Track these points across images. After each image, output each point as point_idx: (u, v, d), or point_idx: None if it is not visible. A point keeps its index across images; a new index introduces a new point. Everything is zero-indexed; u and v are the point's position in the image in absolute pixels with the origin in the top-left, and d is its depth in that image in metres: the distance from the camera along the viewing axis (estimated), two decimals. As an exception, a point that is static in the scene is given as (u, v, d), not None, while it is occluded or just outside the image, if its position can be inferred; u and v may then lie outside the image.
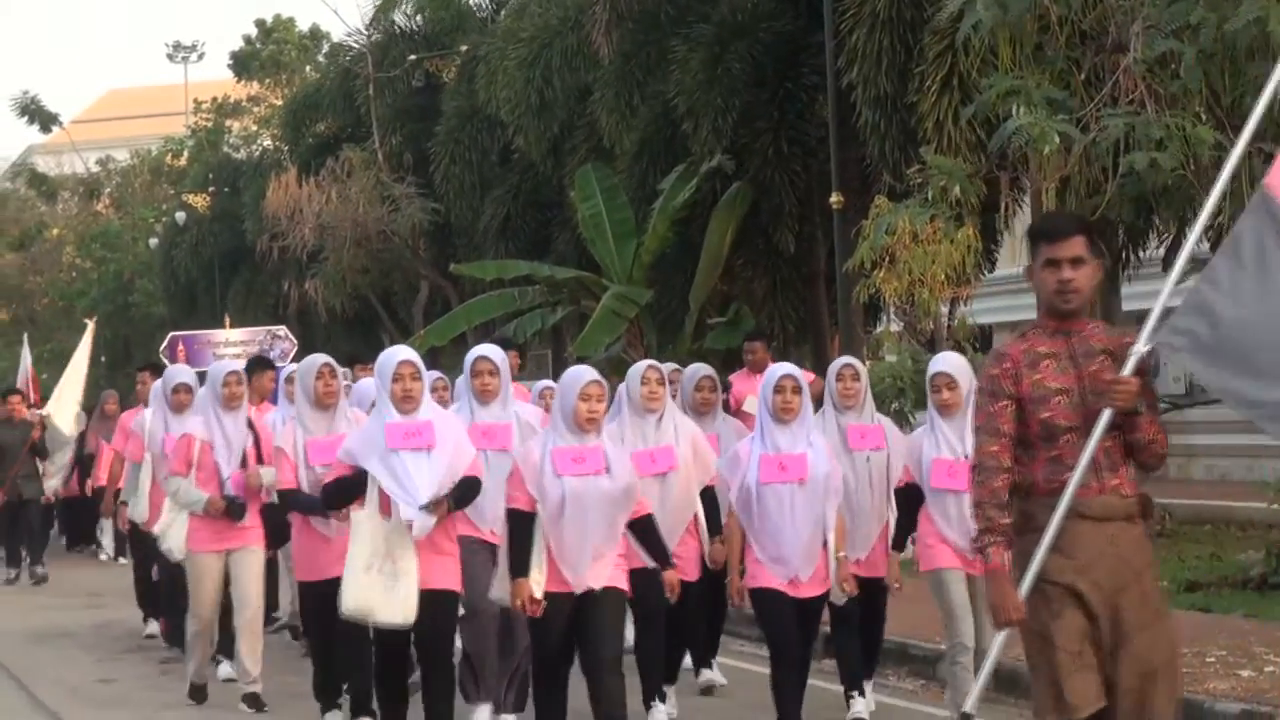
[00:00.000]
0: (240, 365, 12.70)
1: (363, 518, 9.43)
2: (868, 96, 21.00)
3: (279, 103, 50.83)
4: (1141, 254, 21.92)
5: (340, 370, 10.86)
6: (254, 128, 54.67)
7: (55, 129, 60.53)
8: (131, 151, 63.88)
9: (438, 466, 9.46)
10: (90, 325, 24.64)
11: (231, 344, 36.84)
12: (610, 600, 9.24)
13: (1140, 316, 26.27)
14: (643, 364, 11.31)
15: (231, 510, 11.82)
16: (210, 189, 50.88)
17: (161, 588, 14.80)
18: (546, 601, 9.11)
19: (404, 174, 37.66)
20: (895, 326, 22.62)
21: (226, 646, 12.85)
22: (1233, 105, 15.86)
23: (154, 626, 16.02)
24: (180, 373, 13.83)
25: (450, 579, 9.66)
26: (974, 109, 17.64)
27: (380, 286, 40.59)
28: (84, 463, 23.75)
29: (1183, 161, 16.33)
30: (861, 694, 10.89)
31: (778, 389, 9.88)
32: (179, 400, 13.50)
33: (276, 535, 11.99)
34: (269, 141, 50.77)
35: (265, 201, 39.00)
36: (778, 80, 25.18)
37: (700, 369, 12.45)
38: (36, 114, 58.63)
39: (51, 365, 57.66)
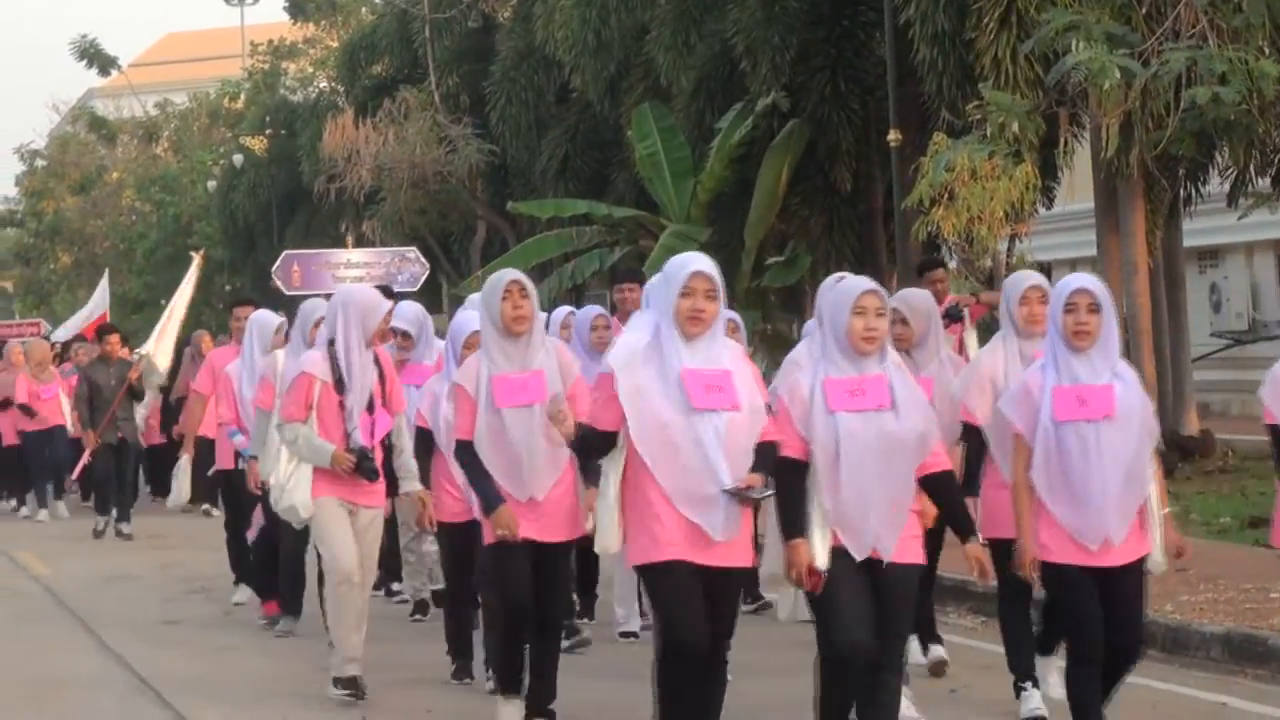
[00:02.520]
0: (385, 301, 10.56)
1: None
2: (925, 33, 20.87)
3: (335, 45, 50.81)
4: (1203, 190, 21.77)
5: (530, 289, 8.97)
6: (310, 70, 54.70)
7: (114, 72, 60.67)
8: (189, 95, 64.03)
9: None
10: (197, 258, 22.14)
11: (354, 265, 34.04)
12: (902, 577, 7.62)
13: (1201, 253, 26.38)
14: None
15: (362, 468, 10.15)
16: (267, 131, 50.96)
17: (282, 562, 12.93)
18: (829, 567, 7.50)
19: (461, 115, 37.63)
20: (953, 263, 22.55)
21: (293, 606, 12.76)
22: (1295, 38, 15.75)
23: (244, 593, 14.37)
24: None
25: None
26: (1032, 44, 17.56)
27: (437, 227, 40.64)
28: (171, 407, 22.53)
29: (1245, 96, 16.24)
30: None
31: (1069, 307, 7.91)
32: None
33: (395, 484, 10.58)
34: (325, 83, 50.78)
35: (322, 143, 39.04)
36: (835, 18, 25.09)
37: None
38: (95, 57, 58.75)
39: (113, 308, 58.02)
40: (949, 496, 7.85)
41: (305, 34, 54.61)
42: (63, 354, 27.02)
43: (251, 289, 50.43)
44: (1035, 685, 9.16)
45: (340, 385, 10.15)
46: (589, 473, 8.41)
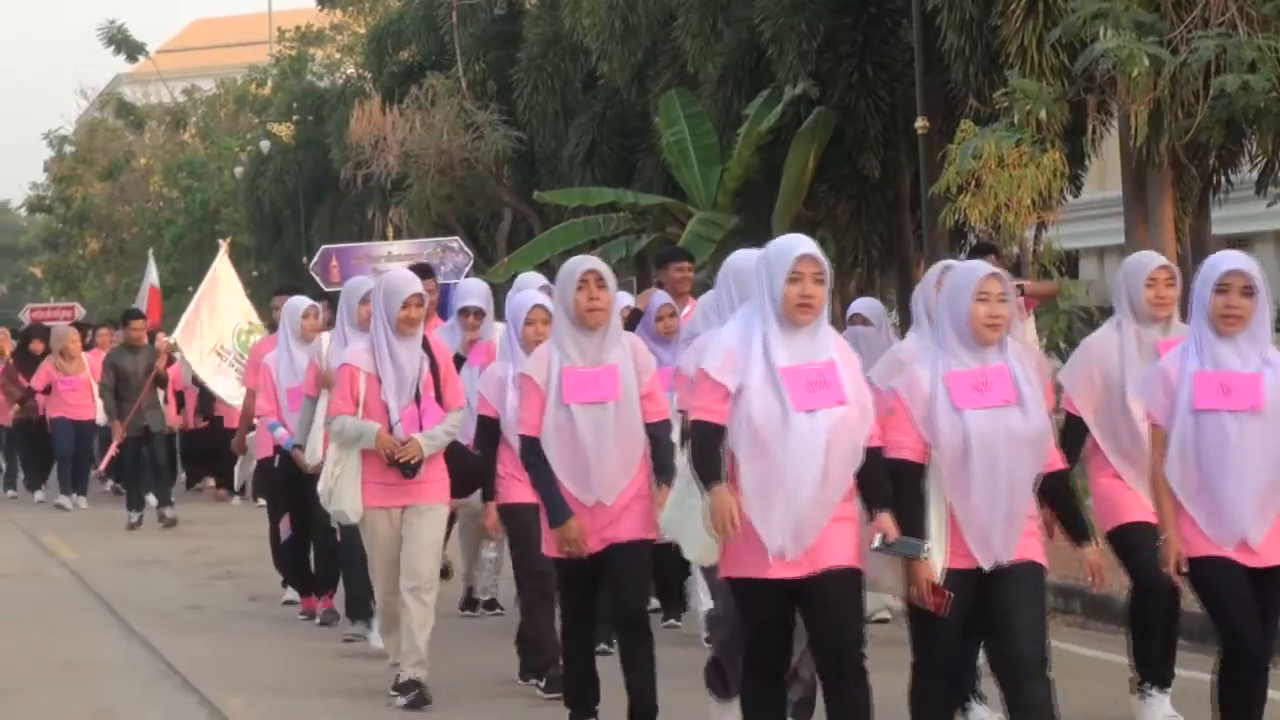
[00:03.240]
0: (410, 282, 9.98)
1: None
2: (952, 20, 20.82)
3: (362, 31, 50.82)
4: (1233, 177, 21.69)
5: (609, 278, 8.41)
6: (337, 56, 54.73)
7: (142, 59, 60.74)
8: (217, 81, 64.11)
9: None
10: (224, 245, 21.27)
11: (395, 257, 32.13)
12: (1028, 579, 7.02)
13: (1232, 240, 26.30)
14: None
15: (403, 464, 9.74)
16: (294, 118, 50.98)
17: (340, 554, 12.24)
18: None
19: (487, 102, 37.59)
20: (981, 252, 22.48)
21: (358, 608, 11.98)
22: (1326, 26, 15.69)
23: (293, 592, 13.80)
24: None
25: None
26: (1060, 32, 17.49)
27: (464, 214, 40.63)
28: (206, 392, 22.16)
29: (1275, 83, 16.15)
30: None
31: (1220, 288, 7.30)
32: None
33: (462, 485, 10.23)
34: (352, 70, 50.79)
35: (349, 130, 39.03)
36: (862, 5, 25.02)
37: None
38: (123, 44, 58.78)
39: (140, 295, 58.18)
40: (1065, 498, 7.32)
41: (332, 20, 54.61)
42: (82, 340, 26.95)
43: (278, 275, 50.51)
44: (1163, 689, 8.63)
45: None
46: (666, 471, 8.19)
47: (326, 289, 32.31)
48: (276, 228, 50.72)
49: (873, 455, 6.98)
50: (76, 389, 22.78)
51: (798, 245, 7.06)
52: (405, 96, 38.07)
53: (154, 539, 18.68)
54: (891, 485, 6.99)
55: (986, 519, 6.94)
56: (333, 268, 32.33)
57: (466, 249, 31.97)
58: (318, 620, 12.83)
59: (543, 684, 9.95)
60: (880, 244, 25.96)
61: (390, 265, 31.13)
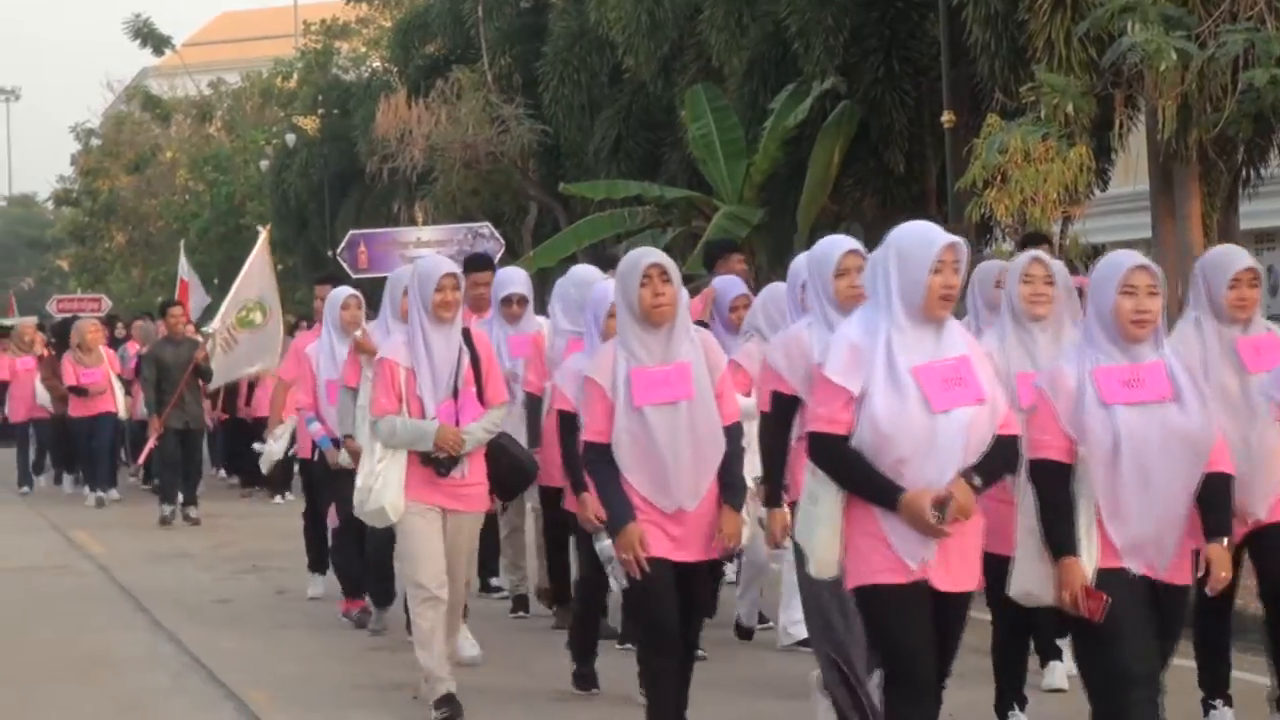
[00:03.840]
0: (441, 266, 9.39)
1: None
2: (978, 15, 20.80)
3: (388, 24, 50.85)
4: (1262, 171, 21.63)
5: (673, 272, 7.91)
6: (363, 49, 54.77)
7: (168, 52, 60.82)
8: (242, 74, 64.19)
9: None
10: (264, 233, 20.19)
11: (424, 244, 32.17)
12: (1176, 602, 6.69)
13: (1260, 235, 26.15)
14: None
15: (440, 460, 9.26)
16: (320, 111, 51.02)
17: (370, 555, 11.94)
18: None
19: (513, 95, 37.61)
20: (1007, 245, 22.44)
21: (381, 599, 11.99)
22: (1354, 20, 15.64)
23: (319, 587, 13.80)
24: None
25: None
26: (1087, 26, 17.45)
27: (490, 208, 40.64)
28: (231, 387, 21.90)
29: (1303, 77, 16.11)
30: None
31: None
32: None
33: (510, 487, 10.00)
34: (378, 63, 50.82)
35: (375, 123, 39.07)
36: (888, -1, 25.00)
37: None
38: (149, 37, 58.84)
39: (167, 288, 58.27)
40: (1221, 502, 6.70)
41: (358, 14, 54.66)
42: (113, 333, 26.89)
43: (303, 268, 50.56)
44: (1229, 704, 8.45)
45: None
46: (732, 490, 7.81)
47: (355, 275, 32.34)
48: (302, 221, 50.77)
49: (1002, 444, 6.57)
50: (95, 382, 22.33)
51: (940, 234, 6.58)
52: (431, 90, 38.09)
53: (181, 533, 18.71)
54: (1035, 487, 6.63)
55: (1139, 521, 6.54)
56: (361, 254, 31.68)
57: (497, 235, 31.42)
58: (354, 624, 12.50)
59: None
60: (905, 238, 25.92)
61: (420, 251, 30.51)
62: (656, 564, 7.71)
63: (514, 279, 12.03)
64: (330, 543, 13.20)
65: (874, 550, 6.51)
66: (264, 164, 54.76)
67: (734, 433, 7.90)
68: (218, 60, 73.26)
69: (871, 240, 21.92)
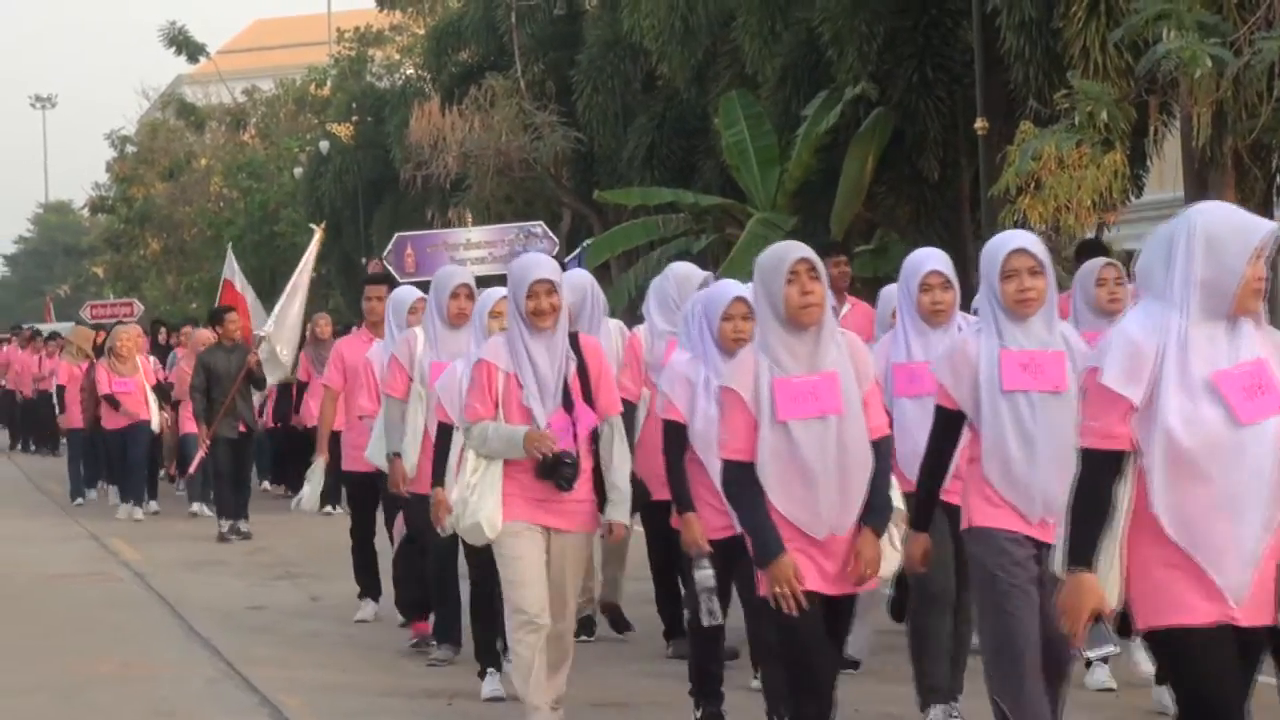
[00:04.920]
0: (533, 268, 8.56)
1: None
2: (1012, 22, 20.80)
3: (421, 32, 50.95)
4: (1296, 179, 21.58)
5: (821, 268, 7.09)
6: (396, 57, 54.88)
7: (202, 59, 61.03)
8: (276, 81, 64.35)
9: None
10: (318, 232, 19.29)
11: (474, 245, 31.54)
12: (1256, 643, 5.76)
13: (1293, 243, 25.19)
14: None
15: (557, 471, 8.42)
16: (354, 118, 51.14)
17: (432, 580, 11.15)
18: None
19: (547, 102, 37.65)
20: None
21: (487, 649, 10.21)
22: (1390, 27, 15.59)
23: (370, 609, 12.98)
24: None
25: None
26: (1122, 33, 17.44)
27: (523, 215, 40.68)
28: (284, 394, 21.31)
29: (1339, 85, 16.07)
30: None
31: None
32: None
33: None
34: (412, 70, 50.92)
35: (408, 130, 39.16)
36: (922, 6, 24.99)
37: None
38: (184, 45, 59.05)
39: (200, 294, 58.42)
40: None
41: (392, 21, 54.77)
42: (156, 339, 26.63)
43: (338, 276, 50.70)
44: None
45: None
46: (878, 512, 7.04)
47: (401, 279, 32.32)
48: (336, 228, 50.82)
49: None
50: (130, 392, 21.30)
51: (1257, 219, 5.81)
52: (464, 97, 38.16)
53: (213, 541, 18.72)
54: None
55: (1230, 540, 5.64)
56: (407, 257, 30.77)
57: (551, 234, 30.57)
58: (412, 641, 11.77)
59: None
60: (940, 245, 25.83)
61: (469, 253, 30.02)
62: (808, 600, 6.91)
63: (566, 280, 10.74)
64: (393, 554, 12.26)
65: (1172, 584, 5.61)
66: (298, 171, 54.89)
67: (883, 448, 7.12)
68: (252, 67, 73.45)
69: (903, 247, 21.73)
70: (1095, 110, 17.63)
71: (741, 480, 7.00)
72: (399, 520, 11.88)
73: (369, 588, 13.09)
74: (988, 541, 7.13)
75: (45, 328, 42.15)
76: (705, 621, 8.59)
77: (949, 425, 7.31)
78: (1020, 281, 7.09)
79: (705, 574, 8.35)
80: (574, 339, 8.66)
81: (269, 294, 55.01)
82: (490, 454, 8.52)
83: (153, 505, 22.19)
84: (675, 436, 8.65)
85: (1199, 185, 19.36)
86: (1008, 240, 7.25)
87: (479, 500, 8.51)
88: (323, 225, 20.00)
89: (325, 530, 14.78)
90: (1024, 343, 7.12)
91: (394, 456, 10.99)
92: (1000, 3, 20.92)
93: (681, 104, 32.17)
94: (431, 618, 11.49)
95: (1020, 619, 7.01)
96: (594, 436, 8.62)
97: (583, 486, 8.55)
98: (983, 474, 7.20)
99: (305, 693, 10.64)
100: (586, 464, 8.55)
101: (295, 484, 20.64)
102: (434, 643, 11.34)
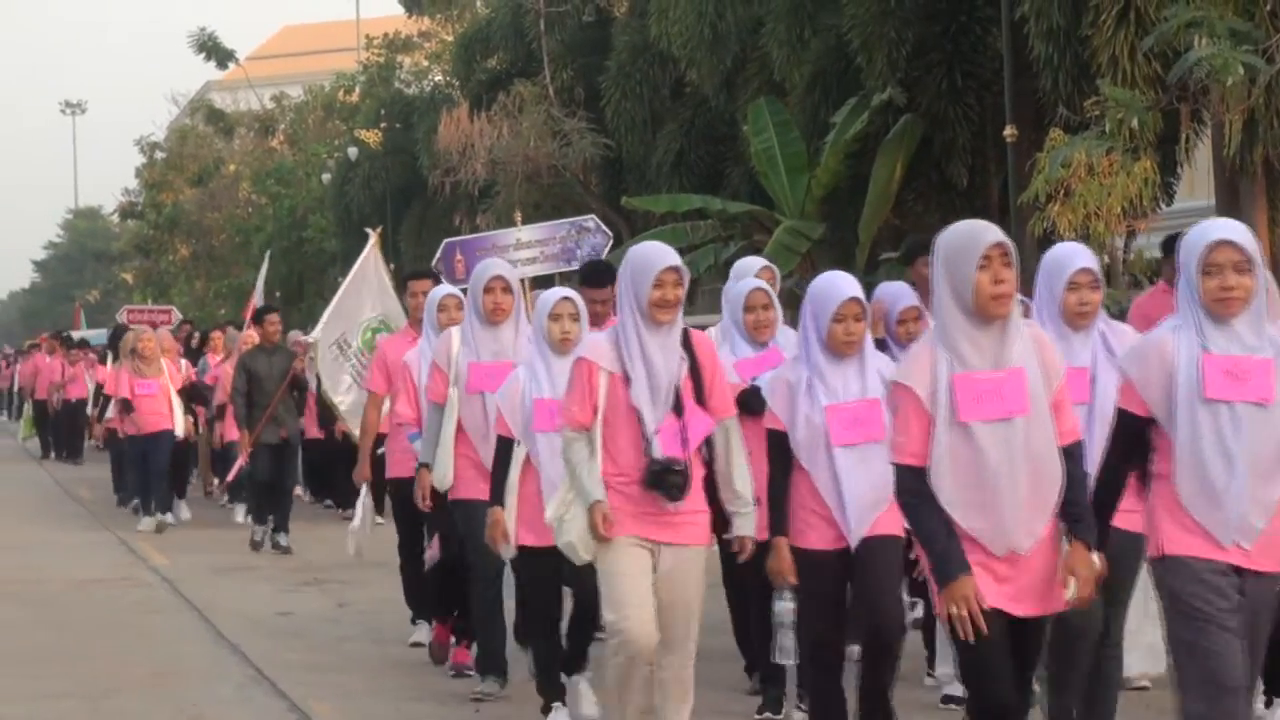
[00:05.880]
0: (660, 256, 7.78)
1: None
2: (1040, 30, 20.78)
3: (450, 38, 51.00)
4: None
5: (1014, 253, 6.48)
6: (425, 63, 54.93)
7: (231, 65, 61.15)
8: (304, 88, 64.46)
9: None
10: (374, 236, 18.22)
11: (524, 245, 29.66)
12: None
13: (1325, 251, 25.29)
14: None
15: (665, 480, 7.60)
16: (382, 125, 51.19)
17: (475, 604, 10.33)
18: None
19: (575, 109, 37.66)
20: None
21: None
22: None
23: (424, 633, 11.95)
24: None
25: None
26: (1152, 41, 17.40)
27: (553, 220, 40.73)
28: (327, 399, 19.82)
29: (1371, 92, 16.02)
30: None
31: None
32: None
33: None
34: (440, 77, 50.96)
35: (437, 137, 39.19)
36: (951, 13, 24.96)
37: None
38: (213, 50, 59.18)
39: (229, 300, 58.52)
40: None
41: (420, 27, 54.82)
42: (188, 343, 26.35)
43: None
44: None
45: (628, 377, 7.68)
46: (1077, 522, 6.38)
47: (454, 286, 31.92)
48: (364, 234, 50.85)
49: None
50: (152, 394, 20.36)
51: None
52: (493, 103, 38.20)
53: (243, 546, 18.72)
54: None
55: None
56: (458, 263, 30.09)
57: (604, 228, 30.06)
58: (450, 672, 11.04)
59: None
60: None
61: (520, 254, 29.42)
62: (991, 621, 6.24)
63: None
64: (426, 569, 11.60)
65: None
66: (326, 177, 54.96)
67: (1075, 454, 6.44)
68: (280, 74, 73.59)
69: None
70: (1126, 118, 17.60)
71: (919, 488, 6.35)
72: (434, 543, 11.21)
73: (421, 610, 12.07)
74: (1183, 571, 6.27)
75: (80, 335, 42.23)
76: (776, 658, 8.12)
77: (1133, 433, 6.42)
78: (1223, 278, 6.21)
79: (786, 607, 7.85)
80: (685, 334, 7.84)
81: (296, 299, 55.27)
82: (570, 475, 7.80)
83: (185, 513, 21.54)
84: (778, 447, 7.87)
85: (1230, 193, 19.32)
86: (1210, 230, 6.38)
87: (573, 519, 7.75)
88: (379, 230, 18.90)
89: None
90: (1228, 347, 6.23)
91: (421, 467, 10.36)
92: (1027, 10, 20.88)
93: (710, 111, 32.16)
94: (474, 646, 10.74)
95: (1224, 657, 6.18)
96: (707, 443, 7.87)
97: (695, 497, 7.75)
98: (1174, 493, 6.32)
99: (335, 698, 10.64)
100: (698, 472, 7.77)
101: (336, 496, 20.91)
102: (473, 673, 10.60)
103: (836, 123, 26.10)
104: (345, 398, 16.96)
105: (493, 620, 10.11)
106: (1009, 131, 22.08)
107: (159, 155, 67.01)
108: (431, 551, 11.25)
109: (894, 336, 9.64)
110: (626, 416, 7.62)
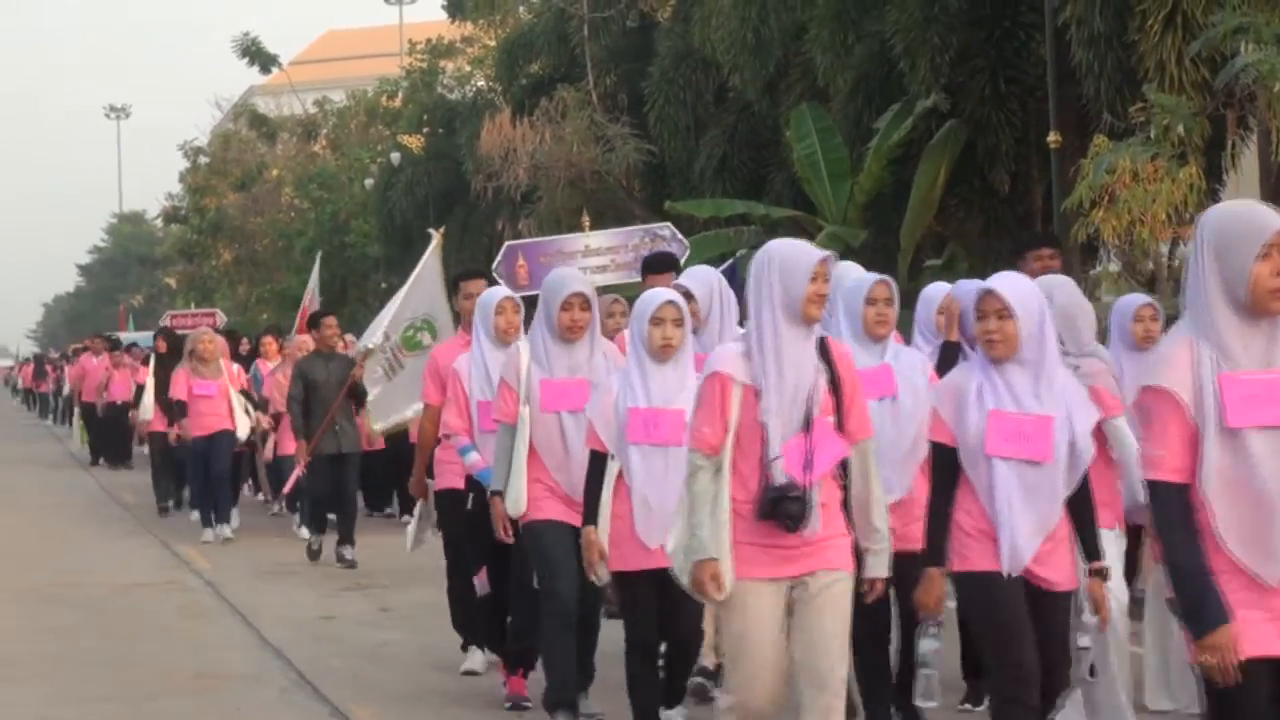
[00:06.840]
0: (807, 256, 7.17)
1: None
2: (1082, 36, 20.71)
3: (493, 43, 51.06)
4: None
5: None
6: (468, 68, 55.01)
7: (274, 70, 61.31)
8: (347, 93, 64.60)
9: None
10: (437, 237, 17.24)
11: (593, 252, 29.45)
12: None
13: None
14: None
15: (781, 509, 6.89)
16: (425, 130, 51.27)
17: (545, 647, 9.45)
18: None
19: (618, 114, 37.66)
20: (1114, 266, 22.27)
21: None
22: None
23: (477, 659, 11.34)
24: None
25: None
26: (1199, 46, 17.33)
27: (593, 227, 40.74)
28: None
29: None
30: None
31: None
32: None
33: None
34: (483, 82, 51.03)
35: (479, 142, 39.23)
36: (995, 18, 24.90)
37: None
38: (257, 55, 59.35)
39: (271, 305, 58.66)
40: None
41: (463, 33, 54.89)
42: (236, 349, 26.14)
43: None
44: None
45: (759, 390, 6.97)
46: None
47: (515, 294, 31.80)
48: (407, 239, 50.97)
49: None
50: (212, 395, 19.94)
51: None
52: (535, 109, 38.21)
53: (286, 550, 18.77)
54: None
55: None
56: (520, 268, 29.57)
57: (680, 236, 29.66)
58: (507, 705, 10.22)
59: None
60: (1010, 259, 25.79)
61: (589, 261, 28.89)
62: (1252, 673, 5.39)
63: (692, 275, 9.74)
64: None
65: None
66: (369, 182, 55.06)
67: None
68: (323, 79, 73.78)
69: (973, 261, 21.78)
70: (1171, 123, 17.54)
71: (1181, 510, 5.46)
72: (482, 574, 10.69)
73: (472, 636, 11.43)
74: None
75: (125, 337, 42.30)
76: (918, 701, 7.50)
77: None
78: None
79: (932, 645, 7.29)
80: (822, 342, 7.14)
81: (339, 305, 55.37)
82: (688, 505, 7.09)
83: (235, 521, 20.62)
84: (943, 463, 7.19)
85: (1276, 199, 19.23)
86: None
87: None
88: (442, 231, 17.89)
89: (395, 541, 14.64)
90: (1245, 363, 5.50)
91: (493, 495, 9.47)
92: (1069, 16, 20.83)
93: (753, 116, 32.14)
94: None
95: None
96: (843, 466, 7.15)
97: (833, 522, 7.04)
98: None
99: (378, 702, 10.67)
100: (832, 496, 7.06)
101: (405, 506, 20.23)
102: (530, 704, 9.99)
103: (879, 128, 26.06)
104: (372, 390, 16.58)
105: (563, 650, 9.18)
106: (1053, 137, 22.02)
107: (202, 160, 67.23)
108: (481, 582, 10.73)
109: (1126, 337, 9.24)
110: (755, 432, 6.93)
